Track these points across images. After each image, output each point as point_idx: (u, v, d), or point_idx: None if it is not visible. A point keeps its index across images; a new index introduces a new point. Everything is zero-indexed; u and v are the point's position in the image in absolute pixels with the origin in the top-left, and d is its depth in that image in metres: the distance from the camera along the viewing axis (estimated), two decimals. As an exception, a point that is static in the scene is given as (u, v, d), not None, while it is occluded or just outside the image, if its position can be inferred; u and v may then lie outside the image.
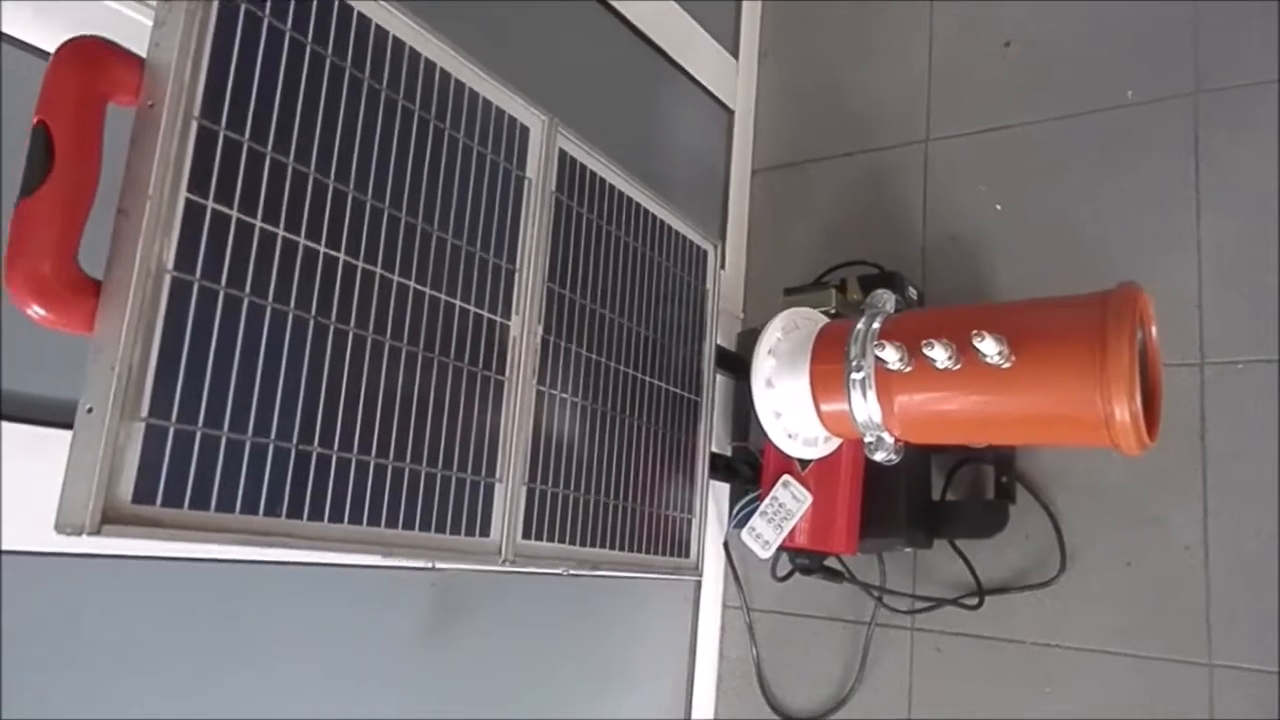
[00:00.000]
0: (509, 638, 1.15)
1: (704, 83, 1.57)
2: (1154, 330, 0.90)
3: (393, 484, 0.76)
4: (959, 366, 0.90)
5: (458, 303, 0.83)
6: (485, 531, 0.84)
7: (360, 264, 0.74)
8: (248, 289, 0.66)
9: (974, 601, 1.26)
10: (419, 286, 0.80)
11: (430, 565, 0.88)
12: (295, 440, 0.69)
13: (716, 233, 1.58)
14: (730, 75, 1.64)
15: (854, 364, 0.97)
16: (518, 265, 0.90)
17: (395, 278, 0.78)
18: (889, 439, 0.99)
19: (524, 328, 0.90)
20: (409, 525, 0.78)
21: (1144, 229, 1.29)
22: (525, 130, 0.92)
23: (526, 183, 0.92)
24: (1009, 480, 1.28)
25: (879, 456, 1.00)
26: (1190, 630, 1.16)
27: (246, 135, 0.66)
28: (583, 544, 0.96)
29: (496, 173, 0.88)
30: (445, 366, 0.81)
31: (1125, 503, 1.23)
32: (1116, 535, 1.23)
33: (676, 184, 1.51)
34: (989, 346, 0.85)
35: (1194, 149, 1.27)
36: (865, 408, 0.98)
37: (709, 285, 1.22)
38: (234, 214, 0.66)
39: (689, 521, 1.15)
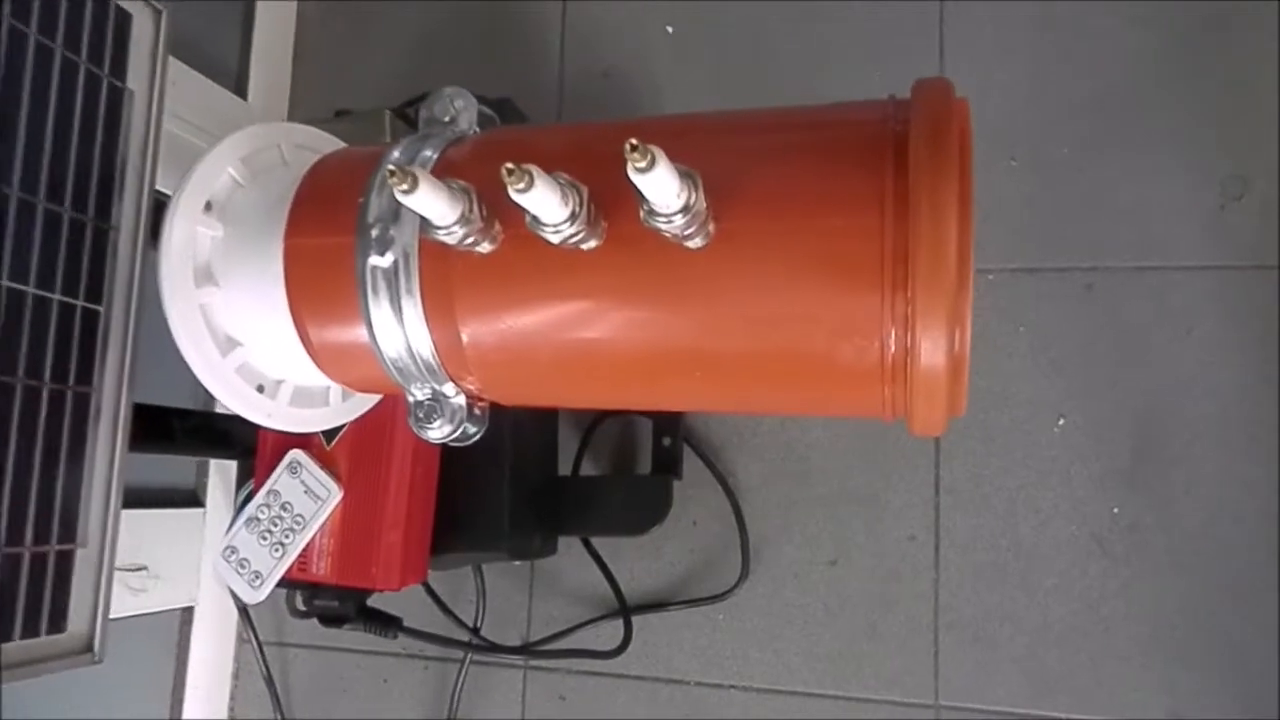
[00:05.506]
0: None
1: None
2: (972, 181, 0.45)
3: None
4: (598, 242, 0.40)
5: None
6: None
7: None
8: None
9: (614, 644, 0.79)
10: None
11: None
12: None
13: (234, 55, 0.96)
14: None
15: (375, 234, 0.43)
16: None
17: None
18: (457, 398, 0.47)
19: None
20: None
21: (873, 77, 0.88)
22: None
23: None
24: (673, 444, 0.83)
25: (435, 434, 0.47)
26: (914, 657, 0.81)
27: None
28: None
29: None
30: None
31: (829, 474, 0.84)
32: (817, 521, 0.84)
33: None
34: (665, 194, 0.35)
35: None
36: (398, 332, 0.44)
37: (133, 84, 0.61)
38: None
39: (69, 558, 0.56)
